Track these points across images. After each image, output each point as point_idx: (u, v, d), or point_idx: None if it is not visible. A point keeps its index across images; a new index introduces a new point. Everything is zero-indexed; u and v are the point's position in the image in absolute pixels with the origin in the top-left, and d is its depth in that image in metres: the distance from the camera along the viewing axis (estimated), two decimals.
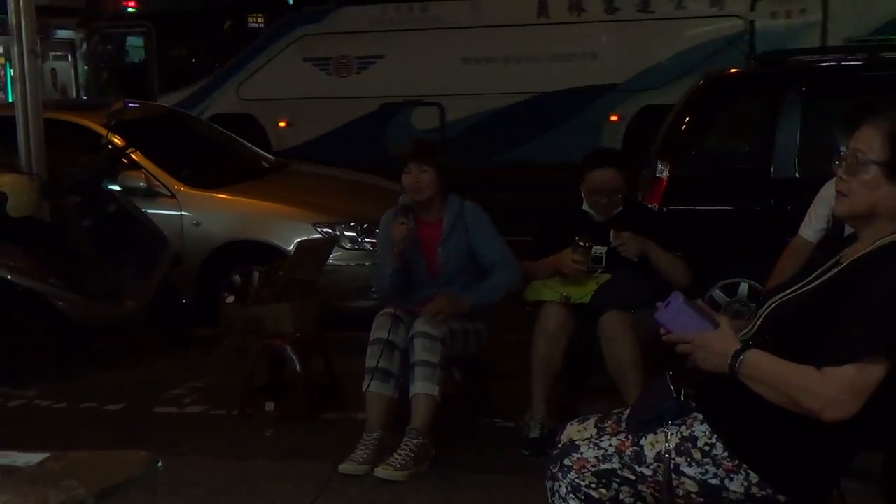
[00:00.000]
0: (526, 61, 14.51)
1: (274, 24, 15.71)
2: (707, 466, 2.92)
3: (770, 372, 2.78)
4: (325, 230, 7.41)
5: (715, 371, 2.84)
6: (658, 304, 2.95)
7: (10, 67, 7.53)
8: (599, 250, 5.16)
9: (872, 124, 2.82)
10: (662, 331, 2.93)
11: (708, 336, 2.86)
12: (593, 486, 3.01)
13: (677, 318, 2.91)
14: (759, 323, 2.98)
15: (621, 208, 5.30)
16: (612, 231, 5.12)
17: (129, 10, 17.14)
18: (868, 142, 2.80)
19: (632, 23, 14.20)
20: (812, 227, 4.75)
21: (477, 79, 14.64)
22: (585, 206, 5.31)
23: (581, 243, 5.05)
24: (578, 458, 3.04)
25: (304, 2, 15.61)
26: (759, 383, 2.79)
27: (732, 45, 13.78)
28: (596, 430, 3.18)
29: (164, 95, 15.69)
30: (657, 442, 2.98)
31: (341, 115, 15.21)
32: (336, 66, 15.39)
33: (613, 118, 14.38)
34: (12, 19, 7.24)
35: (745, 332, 2.99)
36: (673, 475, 2.95)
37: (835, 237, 3.11)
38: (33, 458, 2.87)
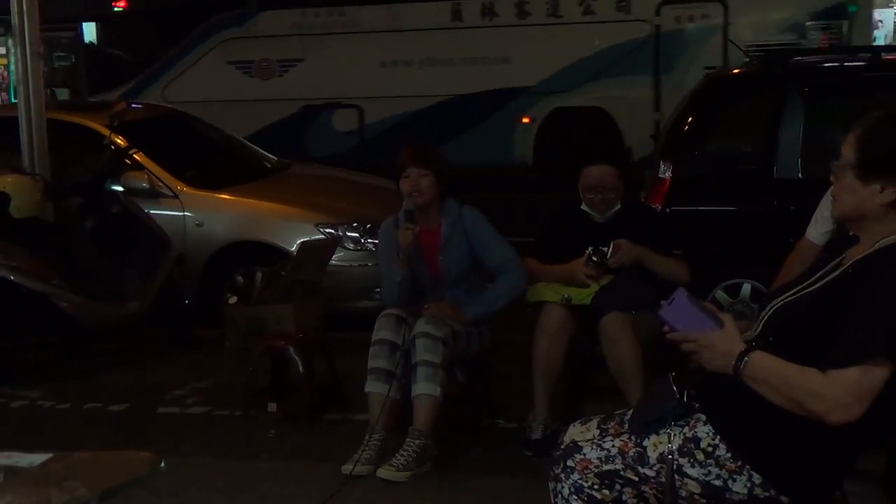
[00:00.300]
0: (441, 64, 14.88)
1: (198, 28, 15.87)
2: (710, 467, 2.92)
3: (774, 374, 2.78)
4: (327, 231, 7.41)
5: (719, 371, 2.84)
6: (662, 302, 2.95)
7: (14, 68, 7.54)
8: (597, 252, 5.16)
9: (852, 129, 2.88)
10: (666, 328, 2.93)
11: (712, 336, 2.85)
12: (596, 487, 3.01)
13: (681, 315, 2.90)
14: (762, 324, 2.98)
15: (619, 207, 5.28)
16: (611, 244, 5.11)
17: (116, 9, 17.34)
18: (847, 146, 2.88)
19: (542, 27, 14.57)
20: (818, 229, 4.74)
21: (394, 81, 14.98)
22: (584, 206, 5.31)
23: (594, 258, 5.06)
24: (581, 459, 3.04)
25: (227, 6, 15.92)
26: (763, 385, 2.79)
27: (639, 49, 14.21)
28: (598, 431, 3.19)
29: (94, 95, 15.92)
30: (660, 443, 2.98)
31: (264, 117, 15.33)
32: (258, 69, 15.70)
33: (525, 120, 14.74)
34: (15, 20, 7.25)
35: (748, 332, 2.99)
36: (676, 476, 2.94)
37: (838, 238, 3.11)
38: (36, 458, 2.88)
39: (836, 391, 2.68)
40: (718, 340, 2.85)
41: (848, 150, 2.87)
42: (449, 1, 14.82)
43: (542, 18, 14.63)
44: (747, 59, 8.38)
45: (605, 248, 5.12)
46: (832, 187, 2.95)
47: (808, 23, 13.72)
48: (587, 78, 14.21)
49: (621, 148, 13.56)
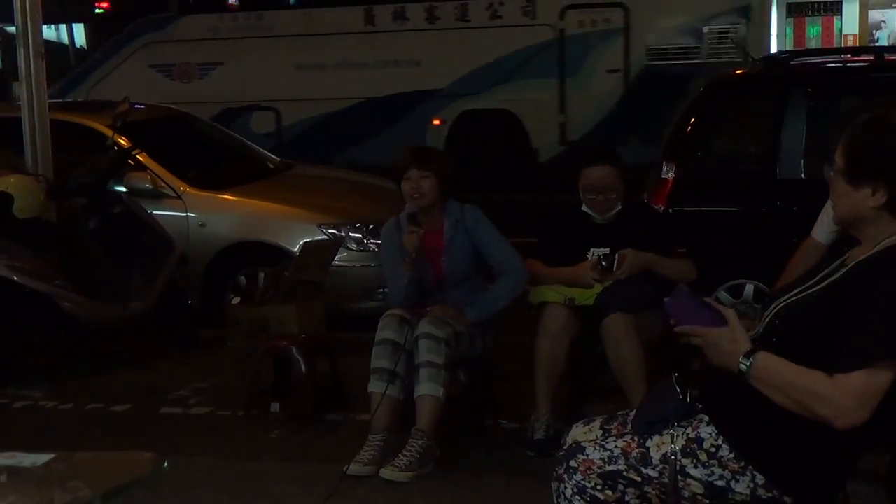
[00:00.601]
0: (355, 68, 15.14)
1: (123, 30, 16.06)
2: (713, 468, 2.92)
3: (779, 377, 2.78)
4: (330, 231, 7.41)
5: (724, 369, 2.85)
6: (665, 300, 2.95)
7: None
8: (601, 252, 5.16)
9: (842, 135, 2.90)
10: (673, 321, 2.93)
11: (717, 334, 2.86)
12: (599, 487, 3.01)
13: (685, 311, 2.91)
14: (764, 324, 2.98)
15: (620, 208, 5.27)
16: (616, 255, 5.11)
17: (98, 10, 17.53)
18: (838, 153, 2.89)
19: (451, 31, 14.83)
20: (824, 228, 4.74)
21: (310, 84, 15.17)
22: (584, 207, 5.30)
23: (604, 263, 5.06)
24: (584, 460, 3.04)
25: (149, 9, 16.13)
26: (768, 387, 2.79)
27: (544, 53, 14.54)
28: (601, 432, 3.19)
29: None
30: (663, 443, 2.98)
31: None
32: (179, 73, 15.82)
33: (436, 122, 14.96)
34: (18, 21, 7.26)
35: (751, 332, 2.99)
36: (679, 477, 2.94)
37: (841, 239, 3.12)
38: (39, 458, 2.88)
39: (842, 396, 2.68)
40: (723, 339, 2.85)
41: (839, 157, 2.89)
42: (361, 6, 15.16)
43: (451, 23, 14.93)
44: (756, 60, 8.37)
45: (610, 253, 5.12)
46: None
47: (705, 28, 14.13)
48: (495, 81, 14.58)
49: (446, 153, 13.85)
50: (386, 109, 14.95)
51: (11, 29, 8.16)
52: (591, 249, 5.21)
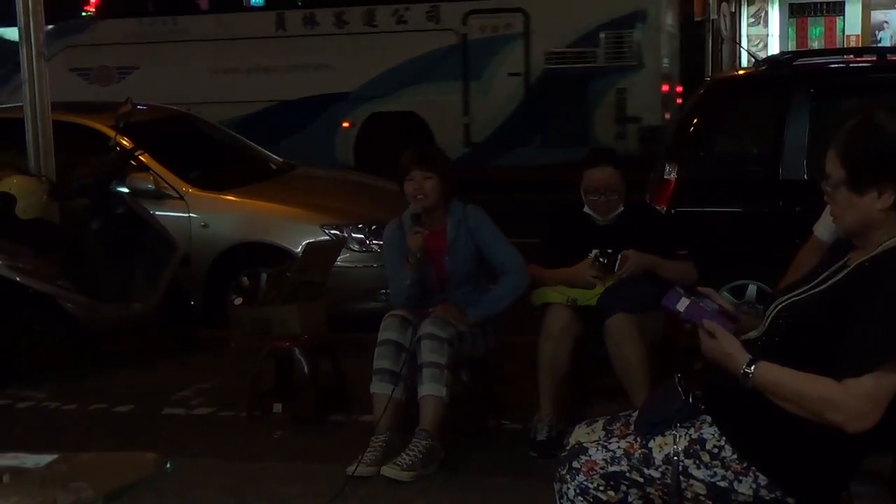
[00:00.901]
0: (267, 71, 15.49)
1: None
2: (716, 469, 2.92)
3: (784, 386, 2.79)
4: (332, 232, 7.41)
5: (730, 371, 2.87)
6: (663, 304, 2.97)
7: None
8: (599, 251, 5.16)
9: (832, 146, 2.89)
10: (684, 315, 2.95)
11: (715, 350, 2.89)
12: (601, 488, 3.01)
13: (686, 307, 2.94)
14: (767, 323, 2.98)
15: (622, 209, 5.27)
16: (619, 256, 5.11)
17: (84, 13, 17.74)
18: (831, 165, 2.88)
19: (359, 35, 15.33)
20: (827, 227, 4.73)
21: (223, 88, 15.45)
22: (586, 209, 5.29)
23: (601, 259, 5.06)
24: (587, 461, 3.04)
25: (69, 13, 16.34)
26: (777, 398, 2.80)
27: (448, 56, 15.07)
28: (604, 433, 3.18)
29: None
30: (665, 444, 2.98)
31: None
32: (97, 76, 16.04)
33: (346, 125, 15.38)
34: (21, 21, 7.26)
35: (753, 332, 2.99)
36: (681, 477, 2.94)
37: (843, 239, 3.11)
38: (42, 459, 2.89)
39: (853, 401, 2.69)
40: (719, 356, 2.87)
41: (834, 168, 2.87)
42: (273, 11, 15.54)
43: (359, 27, 15.42)
44: (758, 61, 8.37)
45: (610, 251, 5.12)
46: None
47: (602, 33, 14.67)
48: (402, 84, 15.03)
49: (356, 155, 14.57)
50: (297, 112, 15.33)
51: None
52: (593, 251, 5.21)
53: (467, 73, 15.03)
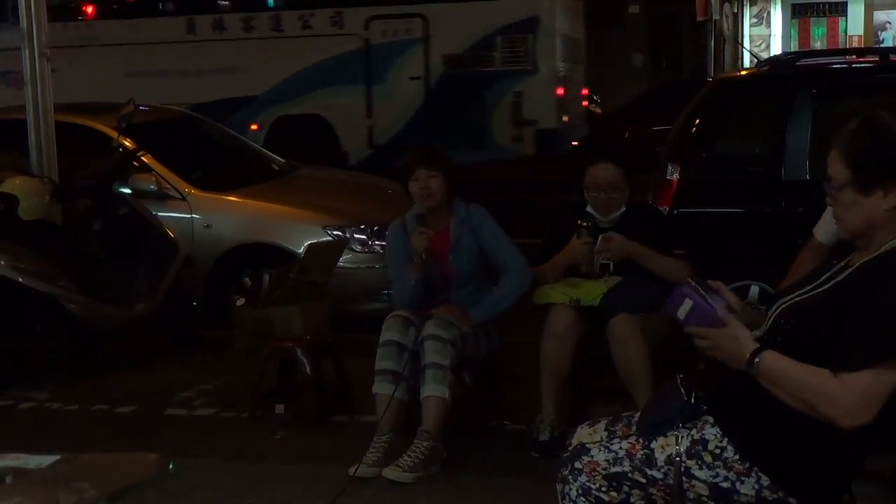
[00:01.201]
0: (178, 75, 15.88)
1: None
2: (718, 469, 2.92)
3: (785, 377, 2.79)
4: (334, 233, 7.42)
5: (734, 367, 2.86)
6: (667, 300, 2.97)
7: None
8: (585, 221, 5.14)
9: (834, 147, 2.87)
10: (682, 323, 2.95)
11: (718, 334, 2.87)
12: (604, 489, 3.01)
13: (688, 312, 2.93)
14: (769, 323, 2.98)
15: (624, 209, 5.25)
16: (600, 236, 5.10)
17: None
18: (834, 166, 2.87)
19: (266, 40, 15.81)
20: (827, 229, 4.73)
21: (136, 91, 15.98)
22: (588, 208, 5.28)
23: (583, 223, 5.05)
24: (589, 461, 3.03)
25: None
26: (775, 386, 2.80)
27: (351, 61, 15.67)
28: (606, 433, 3.18)
29: None
30: (668, 445, 2.98)
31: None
32: (14, 79, 16.41)
33: (254, 127, 15.77)
34: (24, 22, 7.27)
35: (755, 331, 2.99)
36: (684, 478, 2.94)
37: (845, 240, 3.11)
38: (45, 460, 2.89)
39: (848, 396, 2.68)
40: (725, 339, 2.86)
41: (837, 169, 2.86)
42: (183, 16, 15.98)
43: (266, 32, 15.92)
44: (761, 61, 8.37)
45: (597, 227, 5.10)
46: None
47: (497, 38, 15.26)
48: (307, 88, 15.58)
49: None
50: (206, 115, 15.65)
51: None
52: (578, 219, 5.17)
53: (370, 77, 15.61)
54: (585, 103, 17.64)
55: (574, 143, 16.43)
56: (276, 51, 15.70)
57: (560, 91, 15.63)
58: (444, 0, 15.66)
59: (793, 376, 2.78)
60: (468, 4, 15.41)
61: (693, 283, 2.98)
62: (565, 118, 15.83)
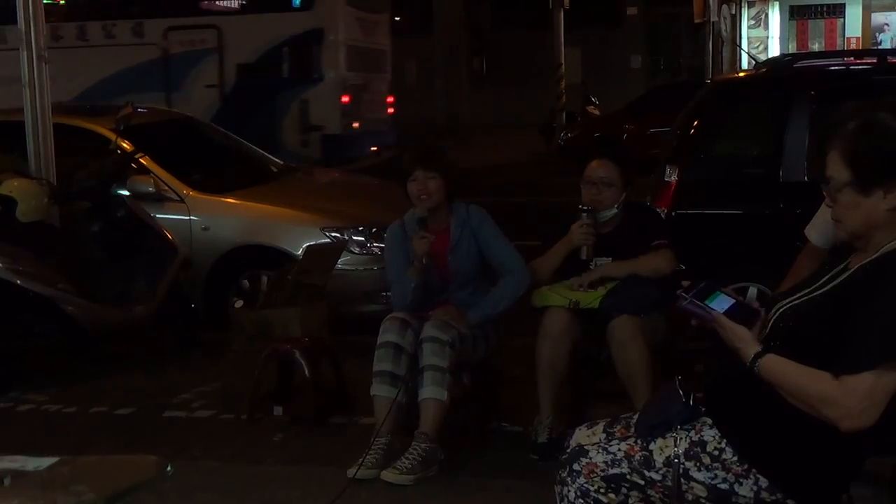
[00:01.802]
0: None
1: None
2: (716, 471, 2.92)
3: (786, 378, 2.80)
4: (333, 235, 7.41)
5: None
6: (683, 305, 2.99)
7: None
8: (603, 261, 5.15)
9: (834, 148, 2.88)
10: (694, 321, 2.98)
11: (726, 334, 2.89)
12: (602, 490, 3.01)
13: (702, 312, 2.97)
14: (768, 327, 2.98)
15: (618, 209, 5.19)
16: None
17: None
18: (834, 167, 2.87)
19: (72, 49, 16.14)
20: (821, 233, 4.72)
21: None
22: (584, 207, 5.22)
23: (583, 207, 5.04)
24: (587, 463, 3.04)
25: None
26: (777, 388, 2.81)
27: (152, 69, 16.36)
28: (605, 435, 3.18)
29: None
30: (666, 446, 2.98)
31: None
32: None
33: None
34: (21, 25, 7.27)
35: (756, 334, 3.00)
36: (682, 480, 2.94)
37: (842, 244, 3.11)
38: (43, 462, 2.89)
39: (849, 398, 2.69)
40: (733, 339, 2.87)
41: (837, 170, 2.86)
42: None
43: (72, 42, 16.34)
44: (759, 63, 8.37)
45: (608, 258, 5.11)
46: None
47: (284, 48, 16.18)
48: (111, 95, 15.56)
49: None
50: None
51: None
52: (579, 206, 5.16)
53: (169, 85, 16.20)
54: (391, 110, 18.38)
55: (373, 147, 17.19)
56: (83, 59, 16.13)
57: (345, 98, 16.44)
58: (237, 12, 16.80)
59: (793, 380, 2.79)
60: (258, 17, 16.37)
61: (687, 296, 3.00)
62: (355, 125, 16.66)
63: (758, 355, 2.83)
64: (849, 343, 2.73)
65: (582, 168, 5.27)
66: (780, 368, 2.81)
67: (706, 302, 2.99)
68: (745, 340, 2.88)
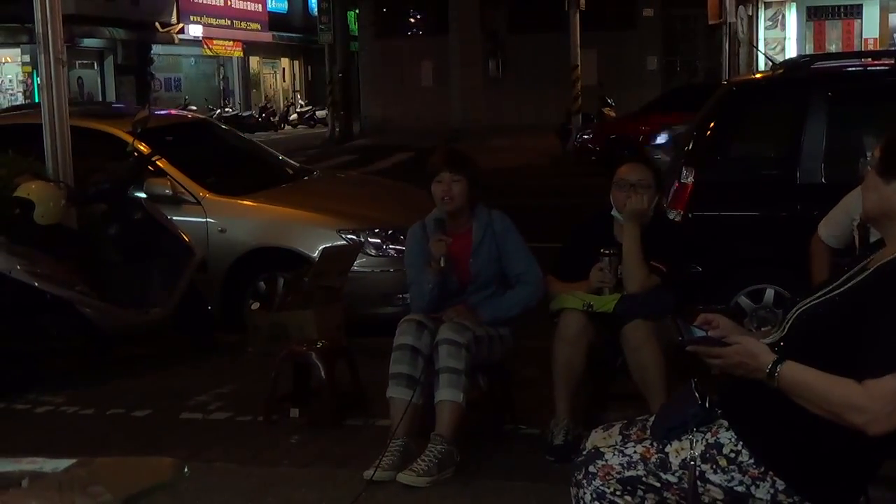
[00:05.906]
0: None
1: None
2: (733, 473, 2.91)
3: (807, 387, 2.79)
4: (349, 237, 7.41)
5: (755, 378, 2.86)
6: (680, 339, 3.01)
7: (38, 76, 7.58)
8: (607, 251, 5.12)
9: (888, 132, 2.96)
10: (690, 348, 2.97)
11: (738, 354, 2.87)
12: (618, 493, 3.01)
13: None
14: (787, 327, 2.97)
15: (648, 218, 5.16)
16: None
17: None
18: (875, 149, 2.95)
19: None
20: (832, 233, 4.71)
21: None
22: (613, 212, 5.22)
23: (606, 252, 5.03)
24: (603, 465, 3.03)
25: None
26: (798, 398, 2.80)
27: None
28: (621, 437, 3.18)
29: None
30: (682, 449, 2.97)
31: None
32: None
33: None
34: (39, 28, 7.30)
35: (770, 336, 2.99)
36: (698, 482, 2.94)
37: (865, 243, 3.13)
38: (60, 464, 2.89)
39: (875, 403, 2.68)
40: (742, 357, 2.86)
41: (876, 151, 2.93)
42: None
43: None
44: (776, 64, 8.35)
45: (613, 251, 5.09)
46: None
47: None
48: None
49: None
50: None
51: None
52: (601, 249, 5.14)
53: None
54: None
55: None
56: None
57: None
58: None
59: (817, 388, 2.78)
60: None
61: (678, 324, 3.04)
62: None
63: (776, 363, 2.82)
64: (870, 346, 2.72)
65: (610, 173, 5.25)
66: (801, 377, 2.80)
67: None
68: (757, 353, 2.87)
